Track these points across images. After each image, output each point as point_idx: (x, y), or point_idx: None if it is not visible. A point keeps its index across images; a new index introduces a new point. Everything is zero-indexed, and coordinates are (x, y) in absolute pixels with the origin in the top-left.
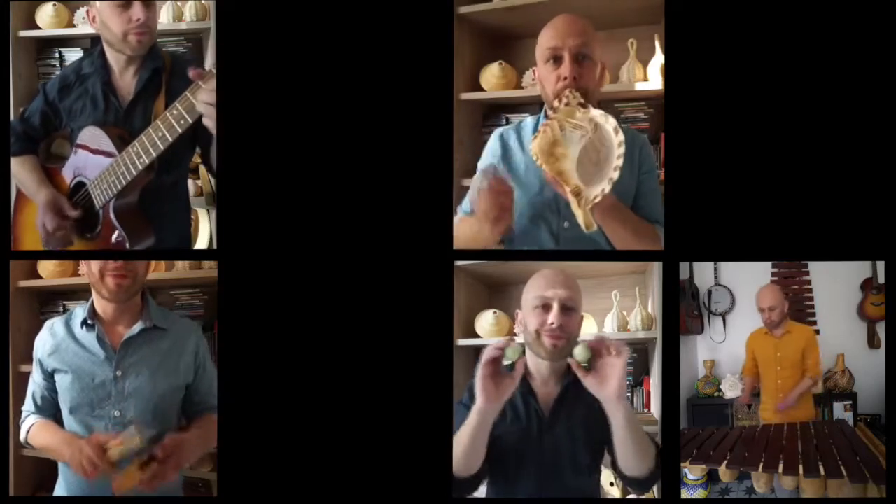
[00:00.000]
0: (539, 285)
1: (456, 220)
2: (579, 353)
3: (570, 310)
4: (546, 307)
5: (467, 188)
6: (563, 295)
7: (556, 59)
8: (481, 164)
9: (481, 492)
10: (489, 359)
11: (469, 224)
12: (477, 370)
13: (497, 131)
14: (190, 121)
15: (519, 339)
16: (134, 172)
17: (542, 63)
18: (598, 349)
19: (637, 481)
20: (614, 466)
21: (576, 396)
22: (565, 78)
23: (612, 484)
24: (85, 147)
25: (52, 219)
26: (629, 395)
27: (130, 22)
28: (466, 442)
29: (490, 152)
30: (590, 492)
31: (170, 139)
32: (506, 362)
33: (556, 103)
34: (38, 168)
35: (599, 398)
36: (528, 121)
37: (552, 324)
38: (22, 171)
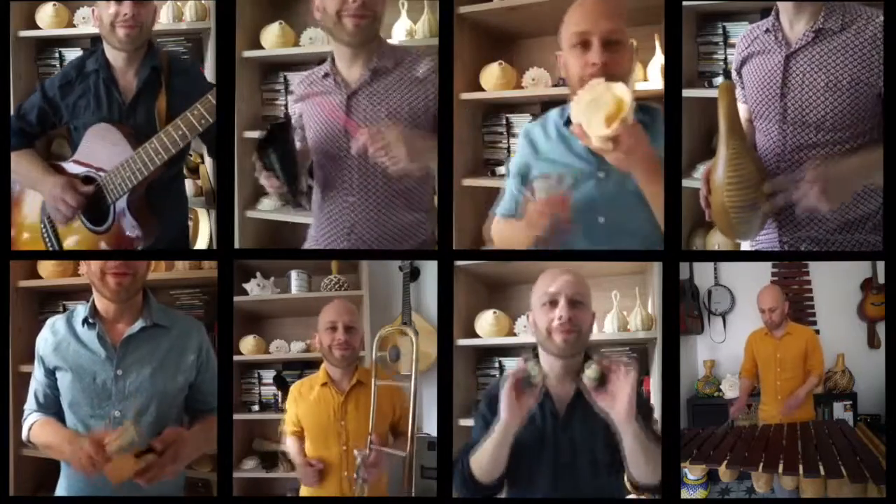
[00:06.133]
0: (545, 282)
1: (496, 221)
2: (590, 372)
3: (578, 303)
4: (553, 303)
5: (467, 188)
6: (570, 290)
7: (584, 44)
8: (513, 167)
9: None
10: (514, 376)
11: (511, 227)
12: (502, 388)
13: (523, 130)
14: (211, 121)
15: (529, 339)
16: (151, 168)
17: (569, 47)
18: (608, 368)
19: (648, 487)
20: (626, 473)
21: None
22: (594, 64)
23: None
24: (87, 164)
25: (73, 196)
26: None
27: (118, 15)
28: (491, 453)
29: (520, 153)
30: (610, 492)
31: (190, 138)
32: (532, 375)
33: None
34: (40, 159)
35: (610, 415)
36: (553, 113)
37: (560, 317)
38: (21, 165)
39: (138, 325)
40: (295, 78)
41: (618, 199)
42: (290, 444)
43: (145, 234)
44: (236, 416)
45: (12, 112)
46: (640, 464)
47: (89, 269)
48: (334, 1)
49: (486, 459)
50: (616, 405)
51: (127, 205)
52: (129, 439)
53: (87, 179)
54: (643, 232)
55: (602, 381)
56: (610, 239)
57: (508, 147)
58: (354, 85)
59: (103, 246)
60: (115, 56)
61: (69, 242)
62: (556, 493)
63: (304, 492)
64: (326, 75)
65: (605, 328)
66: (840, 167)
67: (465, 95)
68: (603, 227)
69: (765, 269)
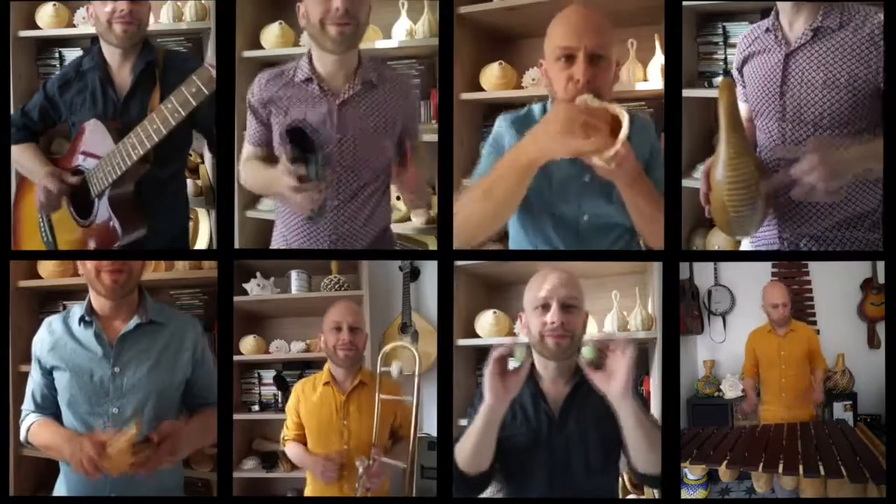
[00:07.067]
0: (537, 286)
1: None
2: (587, 351)
3: (570, 307)
4: (545, 307)
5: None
6: (562, 293)
7: (569, 58)
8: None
9: (489, 492)
10: (497, 357)
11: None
12: (485, 369)
13: (501, 129)
14: (183, 114)
15: (523, 339)
16: (129, 163)
17: (552, 60)
18: (605, 347)
19: (653, 478)
20: (629, 465)
21: (586, 396)
22: (577, 80)
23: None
24: (82, 152)
25: (54, 183)
26: None
27: (115, 12)
28: (475, 440)
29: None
30: (604, 492)
31: (164, 132)
32: (514, 364)
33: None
34: (40, 153)
35: (607, 394)
36: (536, 112)
37: (552, 323)
38: (23, 157)
39: (134, 322)
40: (261, 78)
41: (602, 199)
42: (293, 449)
43: (123, 230)
44: (236, 416)
45: (12, 112)
46: (641, 447)
47: (85, 267)
48: (317, 9)
49: (470, 447)
50: (612, 383)
51: (109, 199)
52: (130, 437)
53: (77, 172)
54: (625, 223)
55: (599, 361)
56: (593, 234)
57: None
58: (344, 95)
59: (87, 240)
60: (111, 53)
61: (67, 238)
62: (551, 494)
63: (309, 491)
64: (308, 80)
65: (605, 328)
66: (839, 146)
67: (465, 95)
68: (586, 224)
69: (765, 269)
